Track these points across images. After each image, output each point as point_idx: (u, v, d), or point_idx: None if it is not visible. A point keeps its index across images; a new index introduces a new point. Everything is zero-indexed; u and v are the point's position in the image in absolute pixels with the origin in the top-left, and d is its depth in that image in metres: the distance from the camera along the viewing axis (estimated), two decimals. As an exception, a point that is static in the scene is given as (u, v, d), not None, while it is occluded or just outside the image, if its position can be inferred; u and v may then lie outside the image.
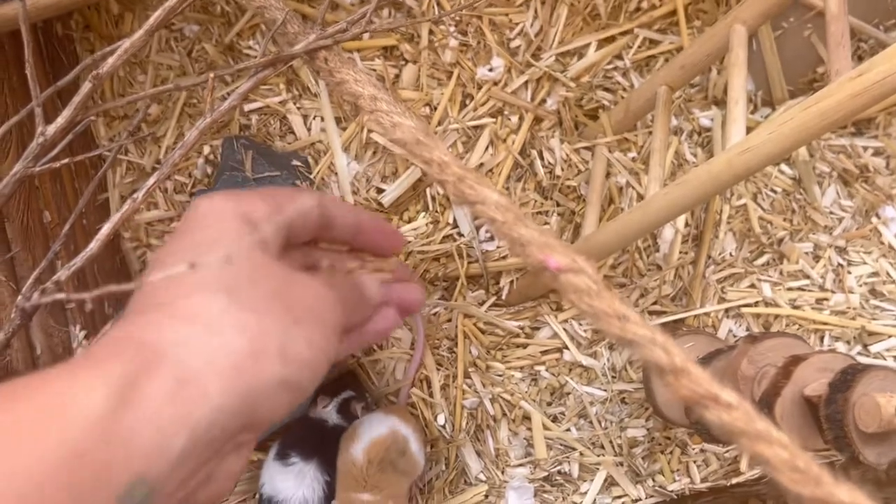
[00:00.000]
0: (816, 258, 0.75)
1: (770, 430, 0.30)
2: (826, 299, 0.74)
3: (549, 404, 0.73)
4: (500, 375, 0.73)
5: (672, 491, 0.71)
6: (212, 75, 0.49)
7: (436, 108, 0.74)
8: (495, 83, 0.75)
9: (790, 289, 0.74)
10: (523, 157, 0.75)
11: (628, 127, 0.74)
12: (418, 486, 0.72)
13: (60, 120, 0.48)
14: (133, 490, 0.24)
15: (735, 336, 0.73)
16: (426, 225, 0.73)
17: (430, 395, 0.73)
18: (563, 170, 0.74)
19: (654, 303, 0.73)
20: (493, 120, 0.74)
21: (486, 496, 0.72)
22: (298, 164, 0.73)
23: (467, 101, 0.75)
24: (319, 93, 0.75)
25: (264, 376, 0.27)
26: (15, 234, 0.67)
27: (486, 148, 0.74)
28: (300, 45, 0.49)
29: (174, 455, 0.25)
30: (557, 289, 0.37)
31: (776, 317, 0.73)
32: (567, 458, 0.72)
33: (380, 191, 0.74)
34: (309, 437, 0.67)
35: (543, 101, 0.75)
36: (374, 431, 0.65)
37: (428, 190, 0.74)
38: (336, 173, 0.74)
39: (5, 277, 0.66)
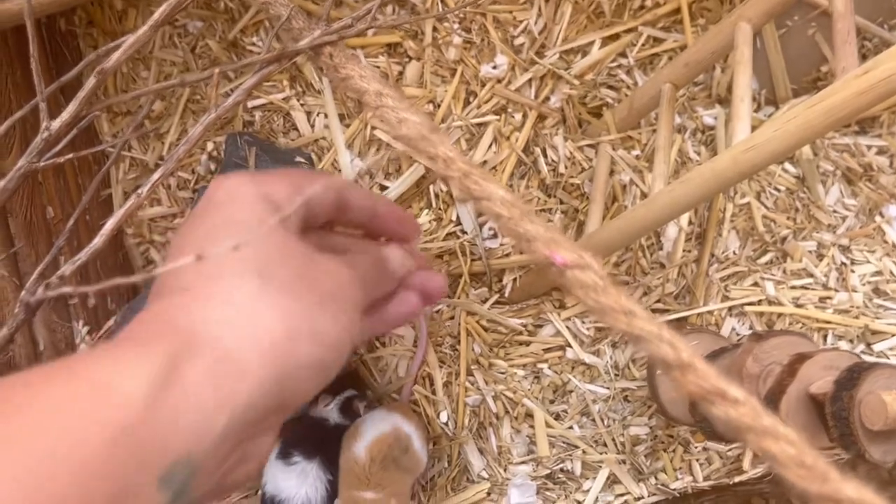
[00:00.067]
0: (820, 257, 0.75)
1: (777, 425, 0.30)
2: (829, 298, 0.74)
3: (552, 402, 0.73)
4: (502, 373, 0.73)
5: (674, 489, 0.71)
6: (216, 71, 0.49)
7: (439, 106, 0.74)
8: (499, 81, 0.75)
9: (793, 287, 0.74)
10: (527, 154, 0.75)
11: (632, 125, 0.74)
12: (420, 483, 0.72)
13: (65, 115, 0.48)
14: (175, 470, 0.24)
15: (738, 334, 0.73)
16: (429, 222, 0.73)
17: (433, 392, 0.73)
18: (566, 167, 0.74)
19: (658, 301, 0.73)
20: (497, 117, 0.74)
21: (489, 494, 0.72)
22: (302, 160, 0.73)
23: (471, 99, 0.75)
24: (323, 89, 0.75)
25: (298, 357, 0.28)
26: (18, 230, 0.67)
27: (490, 145, 0.74)
28: (305, 41, 0.49)
29: (215, 435, 0.25)
30: (564, 284, 0.37)
31: (779, 315, 0.73)
32: (570, 455, 0.72)
33: (383, 188, 0.74)
34: (311, 436, 0.67)
35: (547, 98, 0.75)
36: (376, 429, 0.65)
37: (431, 187, 0.74)
38: (339, 170, 0.74)
39: (8, 273, 0.66)
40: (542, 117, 0.75)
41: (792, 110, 0.48)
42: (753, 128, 0.51)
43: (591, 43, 0.76)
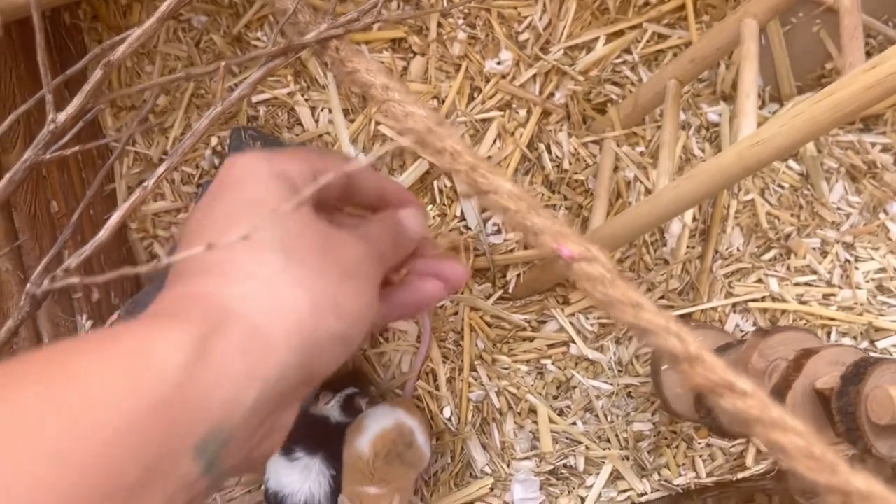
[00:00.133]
0: (824, 254, 0.75)
1: (785, 417, 0.30)
2: (833, 295, 0.74)
3: (556, 398, 0.73)
4: (506, 369, 0.73)
5: (678, 485, 0.72)
6: (223, 64, 0.49)
7: (444, 101, 0.74)
8: (503, 76, 0.75)
9: (797, 284, 0.74)
10: (531, 150, 0.75)
11: (636, 121, 0.74)
12: (423, 478, 0.72)
13: (71, 108, 0.48)
14: (209, 440, 0.24)
15: (742, 331, 0.73)
16: (434, 218, 0.73)
17: (436, 387, 0.73)
18: (570, 163, 0.74)
19: (662, 297, 0.73)
20: (501, 113, 0.74)
21: (492, 489, 0.72)
22: (306, 155, 0.73)
23: (475, 94, 0.75)
24: (327, 84, 0.75)
25: (323, 331, 0.28)
26: (22, 224, 0.67)
27: (494, 141, 0.74)
28: (311, 35, 0.49)
29: (247, 407, 0.26)
30: (571, 277, 0.37)
31: (783, 312, 0.73)
32: (573, 451, 0.72)
33: (387, 183, 0.73)
34: (313, 432, 0.67)
35: (552, 94, 0.75)
36: (380, 424, 0.65)
37: (435, 182, 0.74)
38: (343, 165, 0.74)
39: (12, 267, 0.66)
40: (546, 113, 0.75)
41: (798, 106, 0.48)
42: (758, 124, 0.51)
43: (596, 39, 0.76)
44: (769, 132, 0.49)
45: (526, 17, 0.75)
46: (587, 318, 0.73)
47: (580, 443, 0.72)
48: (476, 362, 0.73)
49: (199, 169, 0.75)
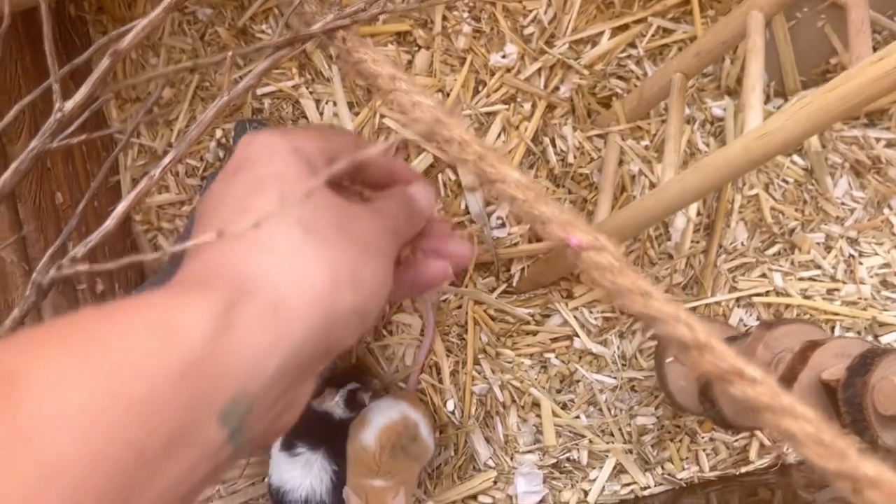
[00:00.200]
0: (828, 248, 0.75)
1: (795, 405, 0.30)
2: (837, 290, 0.74)
3: (559, 391, 0.73)
4: (509, 362, 0.73)
5: (681, 479, 0.72)
6: (229, 54, 0.49)
7: (449, 95, 0.74)
8: (508, 70, 0.75)
9: (801, 279, 0.74)
10: (536, 144, 0.75)
11: (641, 115, 0.74)
12: (427, 471, 0.72)
13: (78, 96, 0.48)
14: (233, 407, 0.25)
15: (746, 325, 0.73)
16: (437, 211, 0.73)
17: (440, 381, 0.73)
18: (575, 157, 0.74)
19: (666, 291, 0.73)
20: (506, 107, 0.74)
21: (495, 482, 0.72)
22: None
23: (480, 88, 0.75)
24: (332, 77, 0.75)
25: (341, 305, 0.29)
26: (27, 215, 0.67)
27: (499, 135, 0.74)
28: (318, 25, 0.49)
29: (268, 375, 0.26)
30: (579, 266, 0.37)
31: (787, 306, 0.73)
32: (576, 445, 0.72)
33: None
34: (315, 428, 0.67)
35: (556, 88, 0.75)
36: (384, 417, 0.65)
37: (440, 176, 0.74)
38: (348, 158, 0.73)
39: (17, 258, 0.66)
40: (551, 107, 0.75)
41: (805, 97, 0.47)
42: (763, 119, 0.51)
43: (601, 33, 0.76)
44: (776, 124, 0.49)
45: (531, 11, 0.75)
46: (591, 312, 0.73)
47: (583, 436, 0.72)
48: (479, 356, 0.73)
49: (203, 161, 0.75)
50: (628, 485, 0.72)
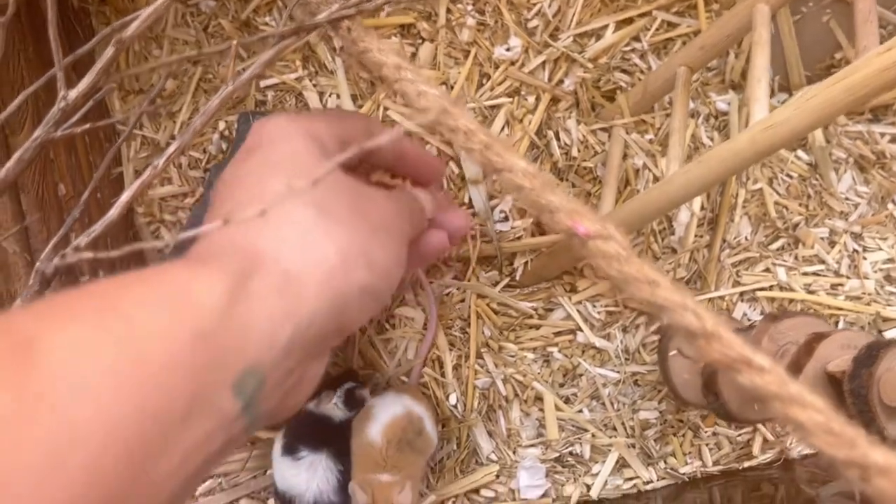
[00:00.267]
0: (832, 243, 0.75)
1: (804, 393, 0.30)
2: (841, 285, 0.74)
3: (562, 385, 0.73)
4: (512, 356, 0.73)
5: (684, 473, 0.72)
6: (234, 42, 0.49)
7: (452, 87, 0.74)
8: (512, 63, 0.75)
9: (805, 273, 0.74)
10: (539, 137, 0.74)
11: (646, 108, 0.74)
12: (429, 464, 0.72)
13: (82, 85, 0.48)
14: (246, 377, 0.25)
15: (749, 320, 0.73)
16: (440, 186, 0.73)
17: (443, 374, 0.73)
18: (579, 151, 0.74)
19: (669, 285, 0.73)
20: (510, 100, 0.74)
21: (497, 476, 0.72)
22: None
23: (484, 81, 0.75)
24: (336, 70, 0.74)
25: (353, 283, 0.29)
26: (30, 207, 0.67)
27: (503, 128, 0.74)
28: (323, 14, 0.48)
29: (281, 347, 0.26)
30: (586, 255, 0.36)
31: (791, 301, 0.73)
32: (579, 439, 0.72)
33: (395, 169, 0.73)
34: (316, 431, 0.67)
35: (561, 81, 0.75)
36: (389, 412, 0.65)
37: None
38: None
39: (20, 249, 0.66)
40: (555, 100, 0.75)
41: (812, 89, 0.47)
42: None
43: (605, 27, 0.76)
44: (782, 116, 0.48)
45: (535, 4, 0.75)
46: (594, 307, 0.73)
47: (586, 430, 0.72)
48: (482, 349, 0.73)
49: (206, 154, 0.75)
50: (631, 479, 0.72)
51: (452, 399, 0.72)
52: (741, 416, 0.56)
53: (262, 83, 0.74)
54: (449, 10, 0.74)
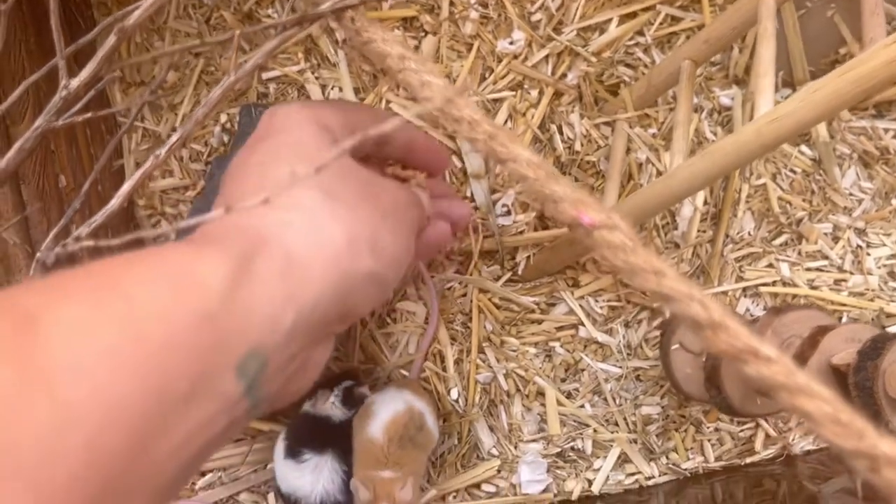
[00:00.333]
0: (835, 239, 0.75)
1: (811, 384, 0.30)
2: (844, 280, 0.74)
3: (564, 380, 0.73)
4: (514, 351, 0.73)
5: (686, 469, 0.71)
6: (237, 32, 0.48)
7: (455, 81, 0.74)
8: (515, 56, 0.74)
9: (808, 269, 0.74)
10: (542, 131, 0.74)
11: (649, 103, 0.73)
12: (431, 459, 0.72)
13: (84, 74, 0.48)
14: (250, 359, 0.25)
15: (752, 315, 0.73)
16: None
17: (444, 369, 0.73)
18: (582, 145, 0.74)
19: (672, 280, 0.73)
20: (513, 93, 0.74)
21: (499, 471, 0.72)
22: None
23: (487, 75, 0.74)
24: (338, 62, 0.74)
25: (358, 268, 0.29)
26: (30, 198, 0.66)
27: (506, 122, 0.74)
28: (327, 4, 0.48)
29: (284, 330, 0.26)
30: (591, 245, 0.36)
31: (794, 297, 0.73)
32: (580, 434, 0.72)
33: (397, 163, 0.73)
34: (318, 432, 0.66)
35: (564, 75, 0.75)
36: (390, 408, 0.64)
37: (446, 162, 0.73)
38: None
39: (20, 240, 0.65)
40: (558, 94, 0.75)
41: (818, 81, 0.47)
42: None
43: (609, 20, 0.75)
44: (788, 108, 0.48)
45: (539, -2, 0.75)
46: (597, 301, 0.73)
47: (588, 426, 0.72)
48: (484, 344, 0.73)
49: (208, 146, 0.75)
50: (633, 474, 0.72)
51: (454, 394, 0.72)
52: (743, 409, 0.55)
53: (265, 75, 0.74)
54: (452, 3, 0.74)
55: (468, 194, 0.73)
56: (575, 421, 0.72)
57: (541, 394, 0.72)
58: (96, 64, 0.49)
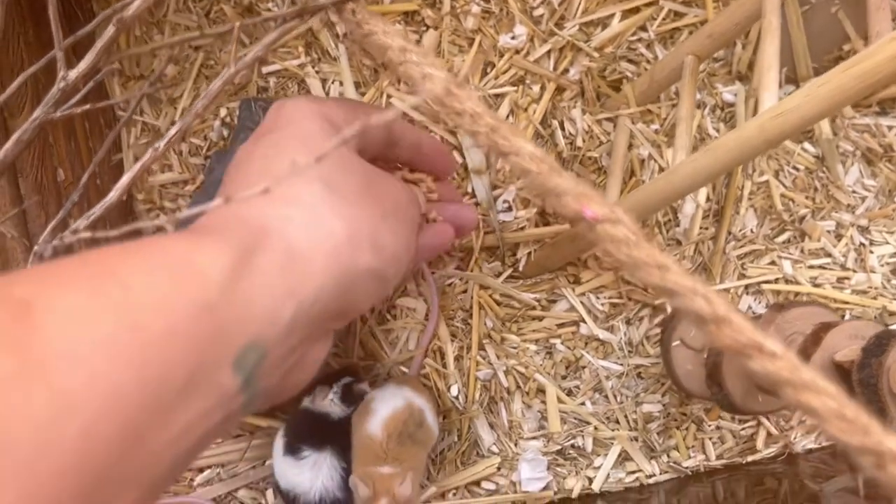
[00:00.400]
0: (838, 237, 0.74)
1: (816, 379, 0.29)
2: (847, 278, 0.73)
3: (564, 378, 0.72)
4: (514, 348, 0.72)
5: (687, 467, 0.71)
6: (237, 24, 0.48)
7: (457, 76, 0.73)
8: (517, 51, 0.74)
9: (811, 267, 0.73)
10: (544, 127, 0.74)
11: (652, 98, 0.73)
12: (430, 456, 0.71)
13: (82, 65, 0.47)
14: (248, 353, 0.25)
15: (755, 313, 0.72)
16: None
17: (444, 366, 0.72)
18: (584, 141, 0.73)
19: (673, 278, 0.72)
20: (515, 89, 0.73)
21: (499, 468, 0.71)
22: (316, 128, 0.72)
23: (489, 69, 0.74)
24: (339, 57, 0.74)
25: (359, 263, 0.29)
26: (28, 191, 0.66)
27: (507, 117, 0.73)
28: (328, -4, 0.48)
29: (283, 324, 0.26)
30: (594, 240, 0.36)
31: (796, 294, 0.72)
32: (581, 431, 0.71)
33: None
34: (317, 429, 0.66)
35: (566, 70, 0.74)
36: (389, 405, 0.64)
37: (447, 158, 0.73)
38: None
39: (18, 234, 0.65)
40: (560, 89, 0.74)
41: (823, 76, 0.47)
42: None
43: (612, 16, 0.75)
44: (792, 103, 0.48)
45: (541, -8, 0.74)
46: (598, 298, 0.73)
47: (589, 423, 0.71)
48: (484, 341, 0.73)
49: (207, 140, 0.74)
50: (633, 472, 0.71)
51: (454, 390, 0.72)
52: (745, 407, 0.55)
53: (265, 69, 0.74)
54: (454, -2, 0.73)
55: (469, 190, 0.73)
56: (575, 418, 0.72)
57: (541, 391, 0.72)
58: (95, 55, 0.48)
